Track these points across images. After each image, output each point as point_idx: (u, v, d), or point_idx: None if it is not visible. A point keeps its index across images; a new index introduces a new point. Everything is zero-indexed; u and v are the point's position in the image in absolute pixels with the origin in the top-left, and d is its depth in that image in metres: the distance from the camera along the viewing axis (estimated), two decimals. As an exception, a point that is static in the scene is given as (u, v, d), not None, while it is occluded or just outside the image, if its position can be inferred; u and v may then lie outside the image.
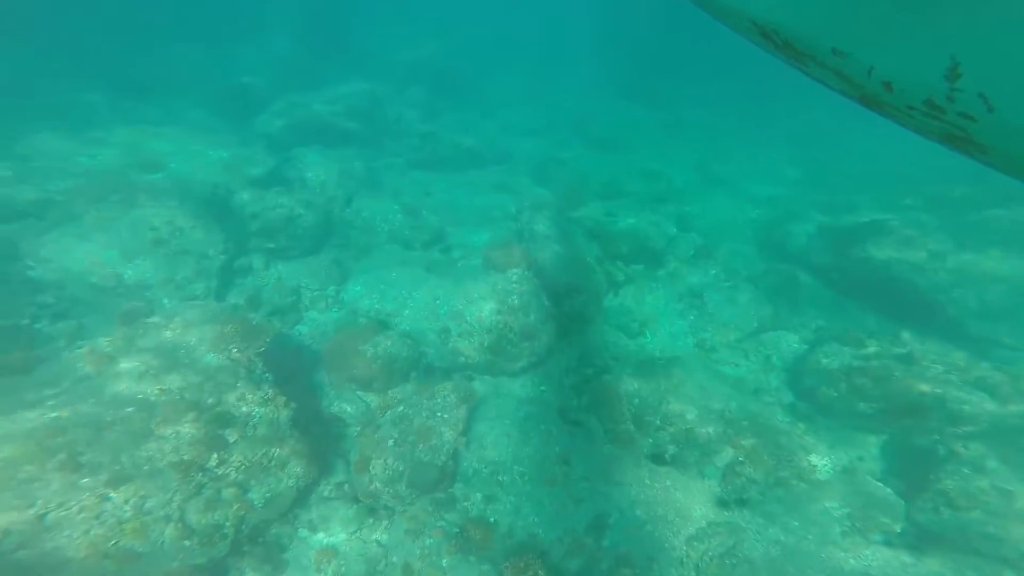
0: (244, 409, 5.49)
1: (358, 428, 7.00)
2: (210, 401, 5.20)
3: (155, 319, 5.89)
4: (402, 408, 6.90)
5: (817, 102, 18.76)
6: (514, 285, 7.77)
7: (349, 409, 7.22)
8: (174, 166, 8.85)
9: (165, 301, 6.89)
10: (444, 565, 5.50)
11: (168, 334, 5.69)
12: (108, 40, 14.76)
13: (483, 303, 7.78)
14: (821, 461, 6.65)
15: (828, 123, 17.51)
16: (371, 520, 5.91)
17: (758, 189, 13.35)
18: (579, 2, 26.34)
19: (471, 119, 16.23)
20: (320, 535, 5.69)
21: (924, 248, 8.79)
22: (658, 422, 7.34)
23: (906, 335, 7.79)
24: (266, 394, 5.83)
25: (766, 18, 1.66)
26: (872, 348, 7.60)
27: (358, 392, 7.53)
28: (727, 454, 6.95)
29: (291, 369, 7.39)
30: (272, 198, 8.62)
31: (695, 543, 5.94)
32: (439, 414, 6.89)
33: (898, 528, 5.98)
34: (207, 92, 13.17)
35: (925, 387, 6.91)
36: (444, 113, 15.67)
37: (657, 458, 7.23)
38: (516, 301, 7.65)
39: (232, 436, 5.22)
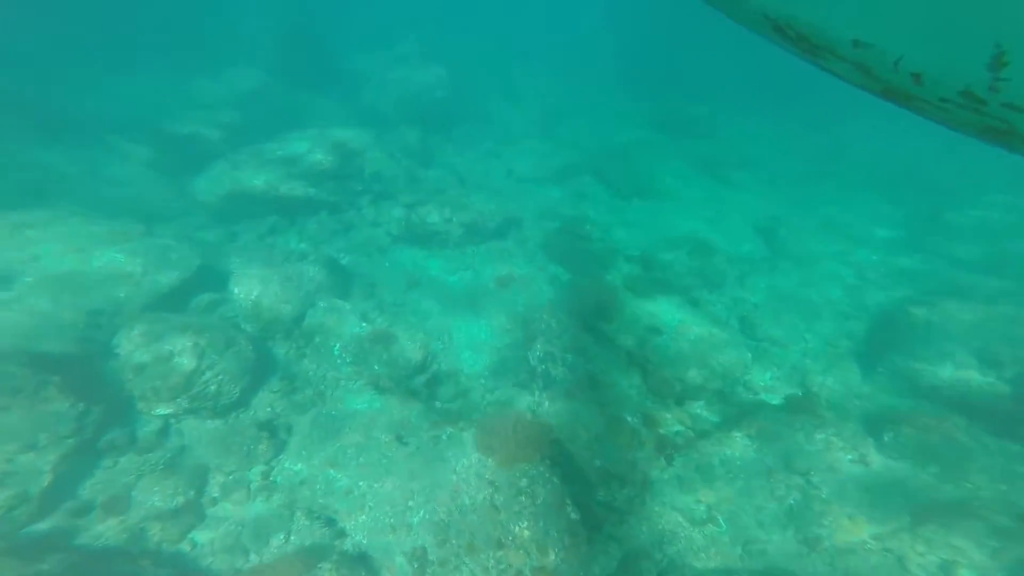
0: None
1: None
2: None
3: None
4: None
5: (907, 129, 15.70)
6: (523, 499, 4.95)
7: None
8: (31, 279, 6.18)
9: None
10: None
11: None
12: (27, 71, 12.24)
13: (478, 524, 4.98)
14: None
15: (923, 153, 14.44)
16: None
17: (843, 259, 10.38)
18: (601, 19, 23.50)
19: (474, 165, 13.48)
20: None
21: None
22: None
23: None
24: None
25: (780, 10, 1.52)
26: None
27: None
28: None
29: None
30: (173, 340, 5.88)
31: None
32: None
33: None
34: (143, 140, 10.58)
35: None
36: (441, 159, 12.94)
37: None
38: (527, 531, 4.83)
39: None
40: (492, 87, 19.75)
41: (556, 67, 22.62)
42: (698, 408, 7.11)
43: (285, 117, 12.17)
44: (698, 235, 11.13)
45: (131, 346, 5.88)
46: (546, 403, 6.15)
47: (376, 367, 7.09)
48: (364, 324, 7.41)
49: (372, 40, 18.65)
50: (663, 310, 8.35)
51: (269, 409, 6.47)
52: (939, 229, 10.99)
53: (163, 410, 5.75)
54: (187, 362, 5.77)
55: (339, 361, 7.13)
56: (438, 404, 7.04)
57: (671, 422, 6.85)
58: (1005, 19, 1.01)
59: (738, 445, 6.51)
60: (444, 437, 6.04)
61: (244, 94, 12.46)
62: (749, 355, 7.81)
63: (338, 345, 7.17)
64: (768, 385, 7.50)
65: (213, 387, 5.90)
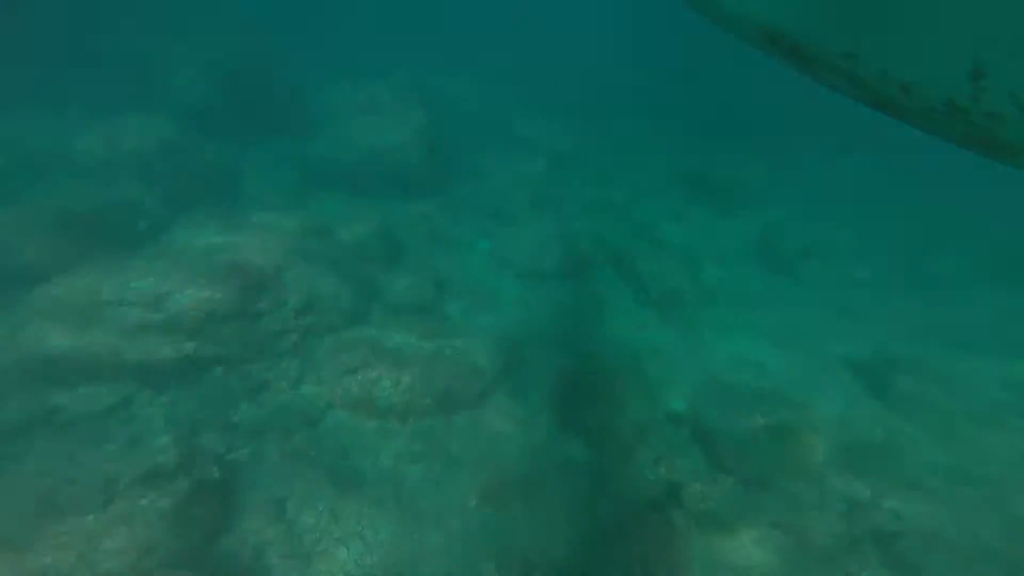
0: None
1: None
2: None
3: None
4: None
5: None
6: None
7: None
8: None
9: None
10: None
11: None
12: None
13: None
14: None
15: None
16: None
17: (1005, 424, 7.56)
18: (620, 52, 21.44)
19: (457, 256, 10.76)
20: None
21: None
22: None
23: None
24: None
25: (773, 24, 1.68)
26: None
27: None
28: None
29: None
30: None
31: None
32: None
33: None
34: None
35: None
36: (412, 251, 10.20)
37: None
38: None
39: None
40: (486, 134, 17.31)
41: (568, 106, 20.25)
42: None
43: (190, 193, 9.46)
44: (767, 376, 8.33)
45: None
46: None
47: None
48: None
49: (339, 75, 16.29)
50: (757, 564, 5.45)
51: None
52: None
53: None
54: None
55: None
56: None
57: None
58: (982, 32, 1.09)
59: None
60: None
61: (142, 155, 9.71)
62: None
63: None
64: None
65: None
